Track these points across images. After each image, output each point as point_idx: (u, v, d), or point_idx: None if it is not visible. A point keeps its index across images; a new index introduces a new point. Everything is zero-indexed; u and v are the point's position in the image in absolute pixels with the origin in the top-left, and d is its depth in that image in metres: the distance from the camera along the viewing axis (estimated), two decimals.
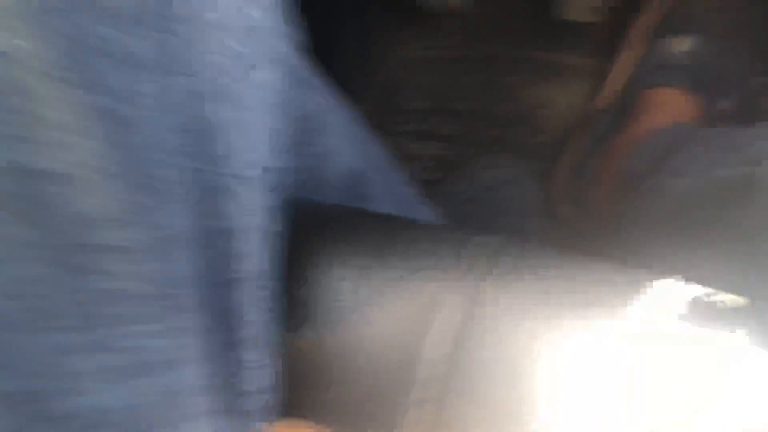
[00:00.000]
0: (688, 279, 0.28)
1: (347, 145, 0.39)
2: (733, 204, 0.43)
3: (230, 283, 0.24)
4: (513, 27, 0.72)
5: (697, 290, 0.28)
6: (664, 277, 0.28)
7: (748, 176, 0.42)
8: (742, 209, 0.42)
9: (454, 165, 0.68)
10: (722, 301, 0.27)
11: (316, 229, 0.32)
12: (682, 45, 0.59)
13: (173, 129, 0.22)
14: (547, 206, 0.64)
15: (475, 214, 0.60)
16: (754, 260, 0.41)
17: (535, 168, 0.66)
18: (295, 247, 0.30)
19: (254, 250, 0.25)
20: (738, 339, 0.26)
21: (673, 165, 0.49)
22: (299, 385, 0.30)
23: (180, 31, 0.21)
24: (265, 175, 0.25)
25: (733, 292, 0.27)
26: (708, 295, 0.27)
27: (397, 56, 0.75)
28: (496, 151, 0.68)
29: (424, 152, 0.70)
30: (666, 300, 0.27)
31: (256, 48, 0.24)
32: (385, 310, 0.29)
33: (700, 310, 0.27)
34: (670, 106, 0.58)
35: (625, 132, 0.58)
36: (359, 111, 0.73)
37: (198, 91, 0.22)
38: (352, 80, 0.73)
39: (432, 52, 0.74)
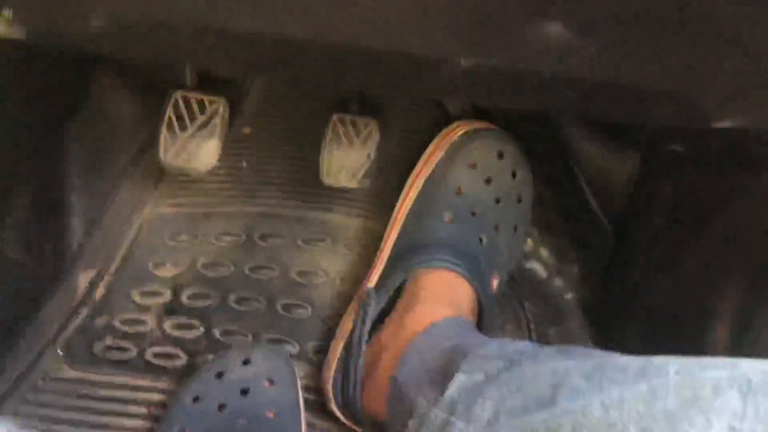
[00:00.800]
0: None
1: None
2: None
3: None
4: (276, 184, 0.64)
5: None
6: None
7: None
8: None
9: (211, 347, 0.58)
10: None
11: None
12: (448, 220, 0.55)
13: None
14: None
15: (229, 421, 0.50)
16: None
17: (303, 347, 0.58)
18: None
19: None
20: None
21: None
22: None
23: None
24: None
25: None
26: None
27: (143, 216, 0.64)
28: (261, 328, 0.58)
29: (176, 332, 0.59)
30: None
31: None
32: None
33: None
34: (441, 292, 0.52)
35: (392, 323, 0.52)
36: (99, 280, 0.61)
37: None
38: (90, 245, 0.62)
39: (183, 209, 0.64)
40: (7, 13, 0.32)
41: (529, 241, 0.63)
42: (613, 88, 0.30)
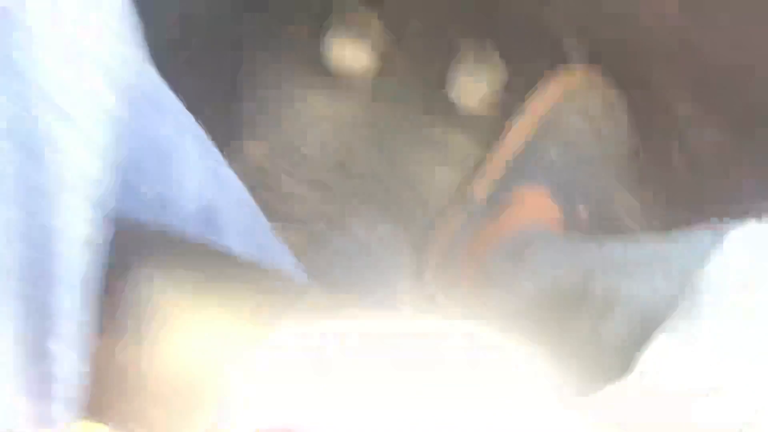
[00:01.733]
0: None
1: (202, 175, 0.40)
2: (568, 310, 0.47)
3: (49, 279, 0.26)
4: (409, 98, 0.76)
5: None
6: None
7: (585, 286, 0.46)
8: (574, 314, 0.47)
9: (335, 217, 0.70)
10: None
11: (144, 246, 0.33)
12: (551, 151, 0.65)
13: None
14: (418, 274, 0.68)
15: (347, 267, 0.63)
16: (579, 367, 0.45)
17: (413, 238, 0.70)
18: (119, 258, 0.31)
19: (74, 253, 0.27)
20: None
21: (525, 264, 0.54)
22: (104, 389, 0.31)
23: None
24: (92, 187, 0.27)
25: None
26: None
27: (301, 106, 0.77)
28: (379, 215, 0.71)
29: (311, 199, 0.73)
30: None
31: (98, 76, 0.26)
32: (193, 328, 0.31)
33: None
34: (533, 207, 0.63)
35: (491, 225, 0.63)
36: (261, 148, 0.76)
37: (25, 93, 0.24)
38: (257, 121, 0.76)
39: (332, 109, 0.77)
40: None
41: (622, 195, 0.71)
42: None
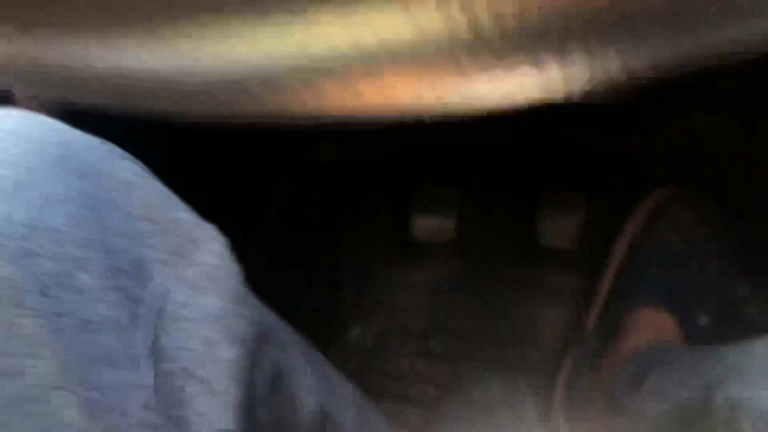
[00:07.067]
0: None
1: (315, 387, 0.42)
2: (694, 428, 0.45)
3: None
4: (499, 252, 0.78)
5: None
6: None
7: (707, 400, 0.44)
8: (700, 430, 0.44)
9: (452, 384, 0.71)
10: None
11: None
12: (656, 270, 0.64)
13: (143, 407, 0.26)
14: (545, 421, 0.66)
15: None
16: None
17: (531, 383, 0.69)
18: None
19: None
20: None
21: (648, 387, 0.52)
22: None
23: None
24: None
25: None
26: None
27: (398, 281, 0.81)
28: (492, 369, 0.71)
29: (424, 371, 0.73)
30: None
31: (220, 331, 0.29)
32: None
33: None
34: (650, 327, 0.61)
35: (610, 353, 0.62)
36: (367, 333, 0.80)
37: (170, 370, 0.27)
38: (360, 306, 0.80)
39: (428, 277, 0.80)
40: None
41: (743, 285, 0.69)
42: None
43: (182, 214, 0.31)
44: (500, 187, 0.83)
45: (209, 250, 0.31)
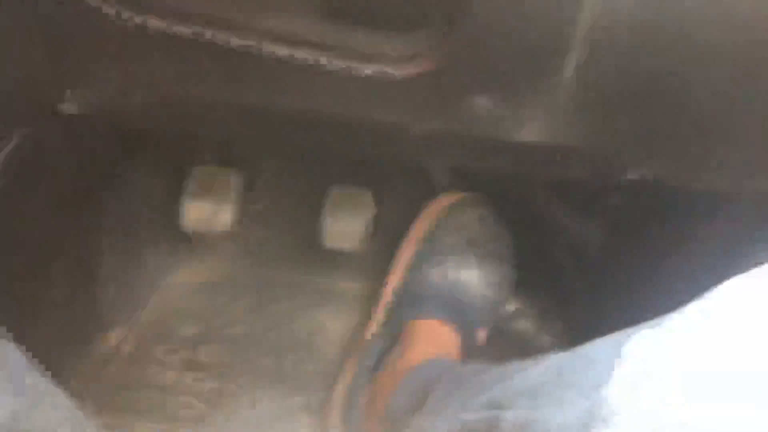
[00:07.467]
0: None
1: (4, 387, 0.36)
2: None
3: None
4: (282, 251, 0.72)
5: None
6: None
7: (494, 421, 0.42)
8: None
9: (220, 399, 0.63)
10: None
11: None
12: (438, 276, 0.62)
13: None
14: None
15: None
16: None
17: (307, 398, 0.64)
18: None
19: None
20: None
21: (429, 406, 0.49)
22: None
23: None
24: None
25: None
26: None
27: (166, 279, 0.72)
28: (266, 382, 0.65)
29: (191, 384, 0.65)
30: None
31: None
32: None
33: None
34: (431, 339, 0.59)
35: (388, 366, 0.58)
36: (128, 339, 0.69)
37: None
38: (119, 307, 0.69)
39: (201, 276, 0.72)
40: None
41: (515, 300, 0.69)
42: (534, 149, 0.37)
43: None
44: (290, 179, 0.76)
45: None
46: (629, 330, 0.35)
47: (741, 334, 0.30)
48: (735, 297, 0.32)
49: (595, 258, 0.64)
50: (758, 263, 0.44)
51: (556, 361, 0.40)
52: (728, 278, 0.43)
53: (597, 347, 0.37)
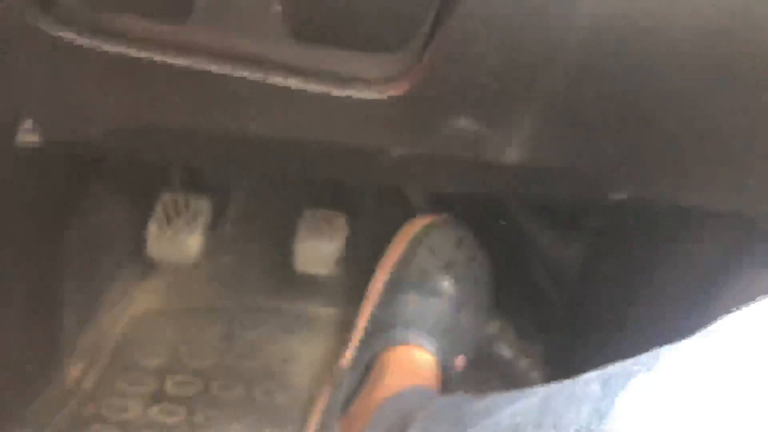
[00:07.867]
0: None
1: None
2: None
3: None
4: (255, 278, 0.70)
5: None
6: None
7: None
8: None
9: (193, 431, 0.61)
10: None
11: None
12: (414, 302, 0.60)
13: None
14: None
15: None
16: None
17: (280, 430, 0.61)
18: None
19: None
20: None
21: None
22: None
23: None
24: None
25: None
26: None
27: (131, 309, 0.69)
28: (237, 414, 0.62)
29: (157, 419, 0.63)
30: None
31: None
32: None
33: None
34: (405, 367, 0.57)
35: (362, 398, 0.56)
36: (90, 372, 0.66)
37: None
38: (80, 338, 0.66)
39: (169, 304, 0.69)
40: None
41: (494, 323, 0.68)
42: (515, 170, 0.36)
43: None
44: (261, 202, 0.74)
45: None
46: (616, 366, 0.34)
47: (739, 378, 0.29)
48: (734, 335, 0.31)
49: (576, 280, 0.63)
50: (741, 283, 0.43)
51: (538, 398, 0.39)
52: (710, 299, 0.43)
53: (581, 384, 0.36)
